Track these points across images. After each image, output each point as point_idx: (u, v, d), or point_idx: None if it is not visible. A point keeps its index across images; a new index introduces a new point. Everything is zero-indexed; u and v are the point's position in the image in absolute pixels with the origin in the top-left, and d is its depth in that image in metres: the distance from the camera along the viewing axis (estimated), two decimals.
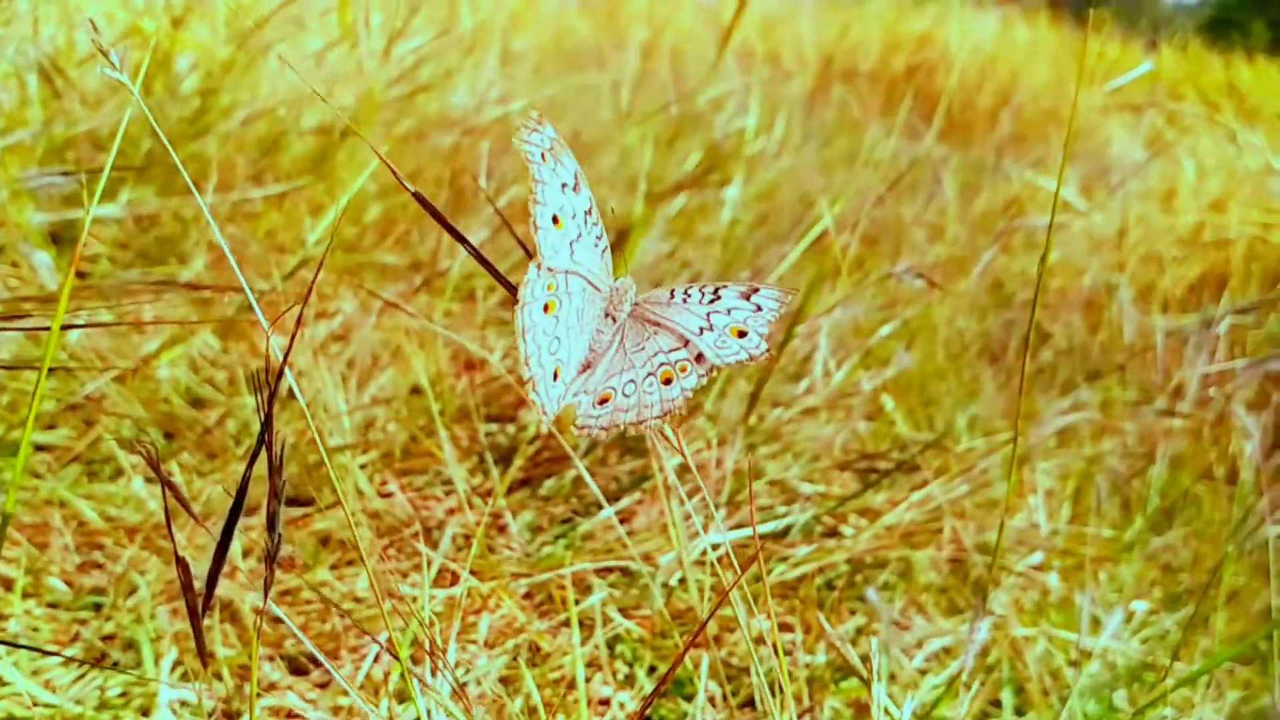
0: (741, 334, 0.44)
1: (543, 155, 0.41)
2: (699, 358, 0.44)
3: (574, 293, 0.44)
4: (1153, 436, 1.18)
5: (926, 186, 1.99)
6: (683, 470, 0.88)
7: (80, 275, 1.03)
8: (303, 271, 1.09)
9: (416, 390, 1.00)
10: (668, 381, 0.44)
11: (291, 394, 0.94)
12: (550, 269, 0.42)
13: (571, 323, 0.44)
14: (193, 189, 0.38)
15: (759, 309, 0.44)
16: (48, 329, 0.44)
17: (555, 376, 0.43)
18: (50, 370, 0.90)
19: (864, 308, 1.20)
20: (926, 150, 1.96)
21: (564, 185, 0.42)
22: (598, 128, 1.95)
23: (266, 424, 0.39)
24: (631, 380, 0.45)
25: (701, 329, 0.45)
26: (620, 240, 1.06)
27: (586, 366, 0.45)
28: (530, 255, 0.42)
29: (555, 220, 0.43)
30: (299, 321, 0.41)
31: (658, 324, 0.45)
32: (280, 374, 0.40)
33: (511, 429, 0.99)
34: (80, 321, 0.84)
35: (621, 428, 0.44)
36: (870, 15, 3.91)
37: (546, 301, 0.42)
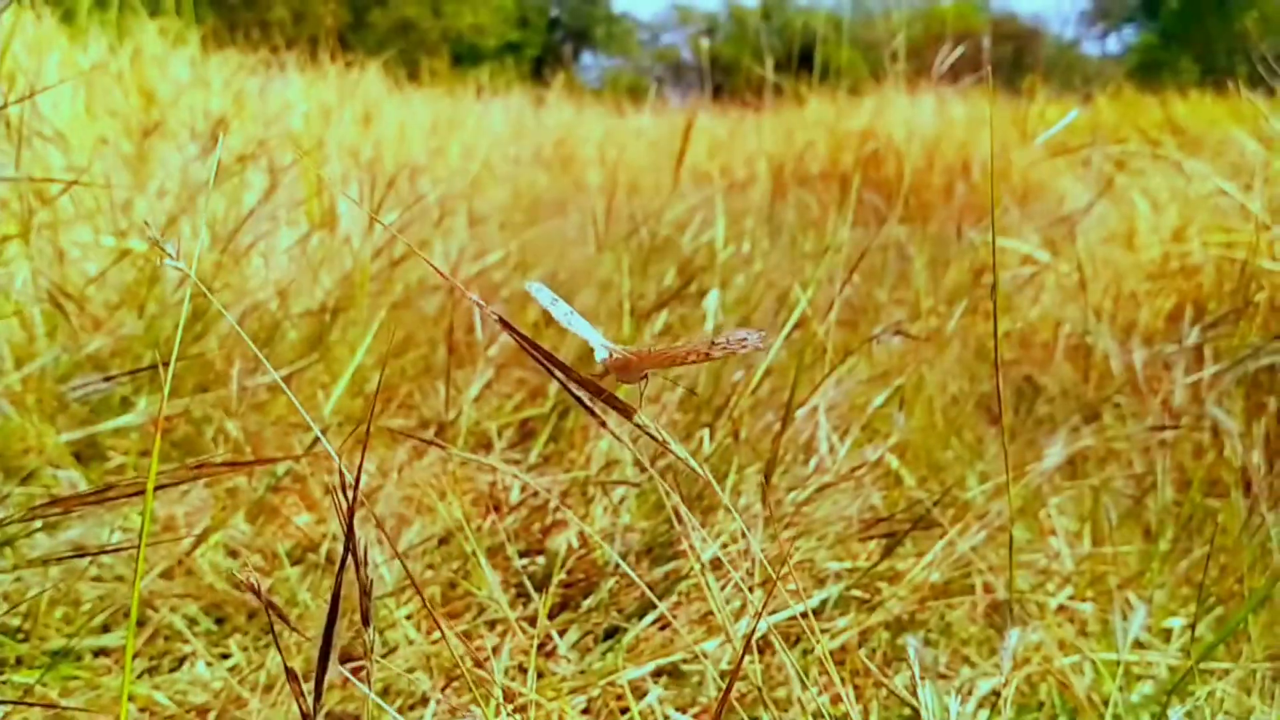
0: None
1: None
2: None
3: None
4: (1155, 455, 1.21)
5: (895, 267, 2.05)
6: (714, 565, 0.91)
7: (109, 486, 1.07)
8: (315, 448, 1.14)
9: (444, 540, 1.04)
10: None
11: (329, 559, 0.98)
12: None
13: None
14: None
15: None
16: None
17: None
18: (96, 577, 0.93)
19: (855, 382, 1.25)
20: (889, 232, 2.03)
21: None
22: (572, 267, 2.02)
23: (334, 599, 0.43)
24: None
25: None
26: None
27: None
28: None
29: None
30: (358, 477, 0.45)
31: None
32: (349, 538, 0.44)
33: (542, 559, 1.03)
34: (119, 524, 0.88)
35: None
36: (811, 121, 4.06)
37: None
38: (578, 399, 0.48)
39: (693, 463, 0.49)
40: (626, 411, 0.48)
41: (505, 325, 0.48)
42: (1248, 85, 2.53)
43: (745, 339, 0.48)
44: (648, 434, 0.49)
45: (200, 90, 2.62)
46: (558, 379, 0.48)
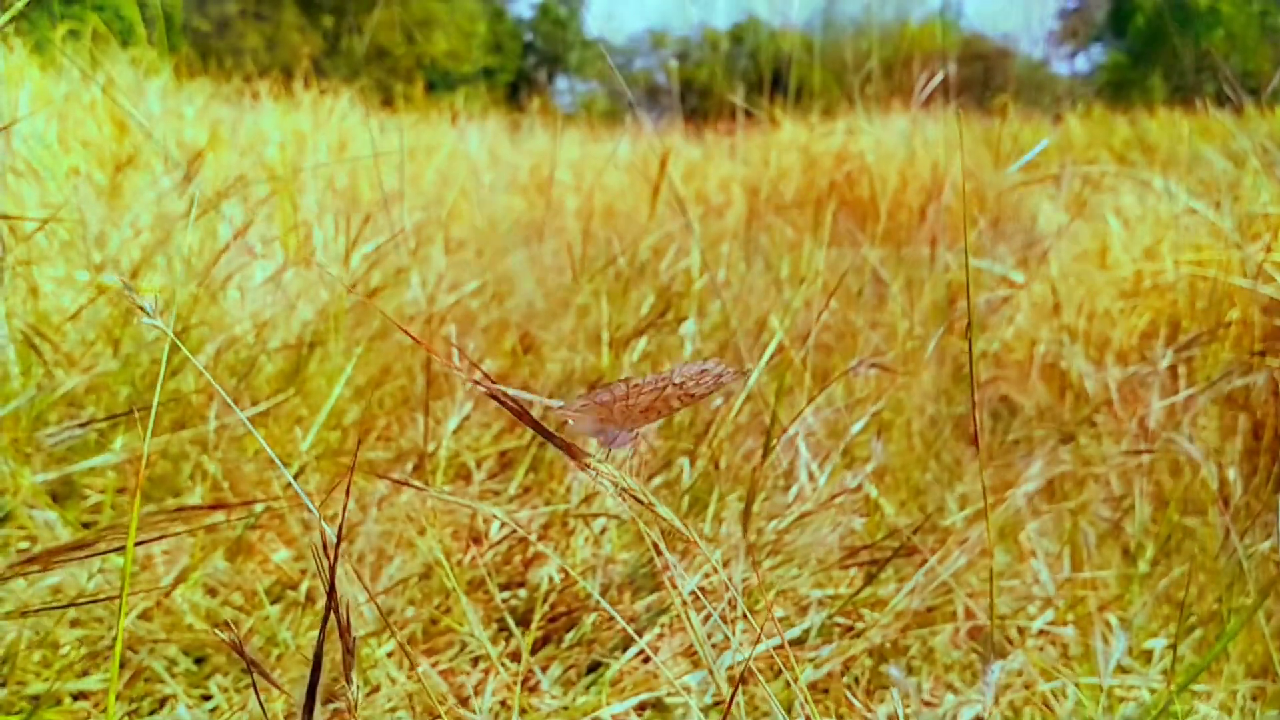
0: None
1: None
2: None
3: None
4: (1132, 476, 1.22)
5: (871, 290, 2.06)
6: (696, 596, 0.91)
7: (86, 526, 1.07)
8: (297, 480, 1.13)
9: (425, 575, 1.03)
10: None
11: (309, 597, 0.97)
12: None
13: None
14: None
15: None
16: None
17: None
18: (76, 620, 0.93)
19: (833, 410, 1.25)
20: (864, 255, 2.04)
21: None
22: (551, 294, 2.02)
23: (317, 656, 0.43)
24: None
25: None
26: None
27: None
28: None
29: None
30: (340, 530, 0.45)
31: None
32: (331, 593, 0.44)
33: (524, 592, 1.02)
34: (98, 566, 0.87)
35: None
36: (786, 143, 4.07)
37: None
38: (550, 438, 0.48)
39: (664, 510, 0.49)
40: (579, 458, 0.48)
41: (478, 372, 0.47)
42: (1215, 103, 2.56)
43: (706, 370, 0.48)
44: (614, 484, 0.49)
45: (174, 120, 2.62)
46: (531, 424, 0.48)
